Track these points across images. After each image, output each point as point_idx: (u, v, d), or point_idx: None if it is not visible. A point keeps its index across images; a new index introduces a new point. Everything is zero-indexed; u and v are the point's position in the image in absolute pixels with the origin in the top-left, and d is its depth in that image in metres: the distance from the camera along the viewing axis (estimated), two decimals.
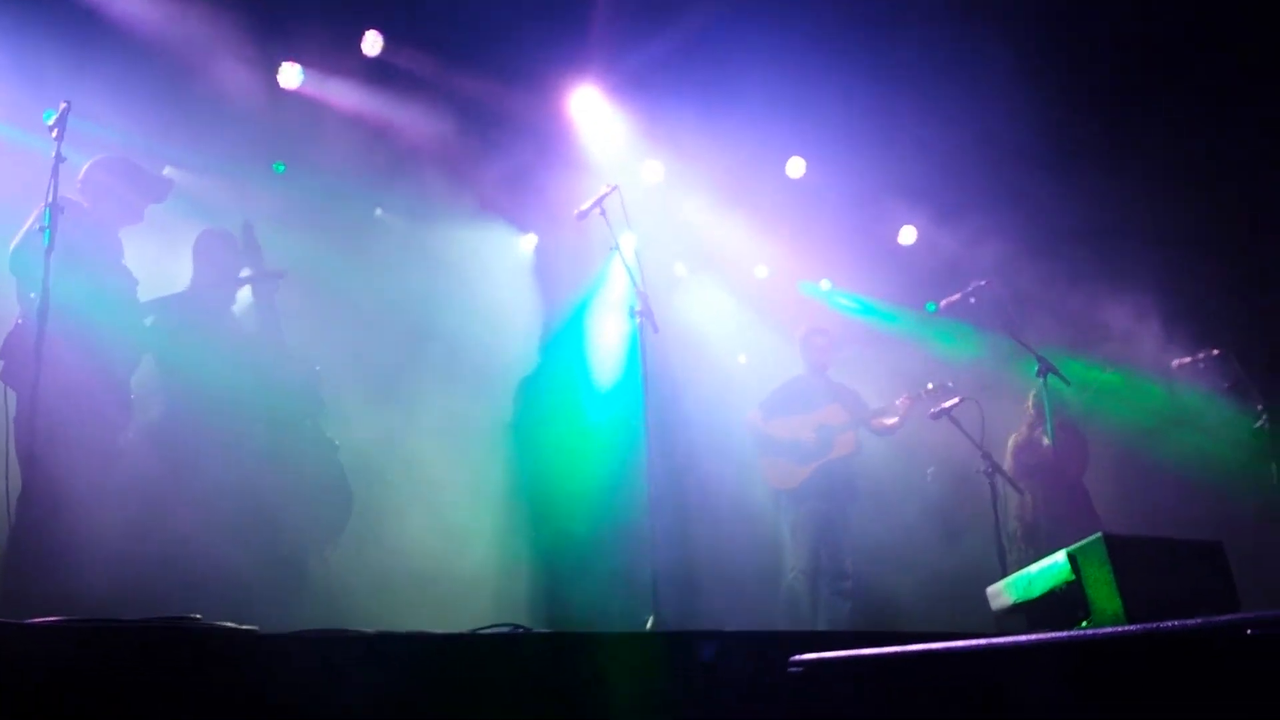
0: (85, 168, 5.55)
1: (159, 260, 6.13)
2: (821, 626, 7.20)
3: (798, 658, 3.06)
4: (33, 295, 4.95)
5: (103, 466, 5.25)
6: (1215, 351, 7.10)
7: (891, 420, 7.72)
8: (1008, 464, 7.80)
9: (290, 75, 7.45)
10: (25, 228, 5.20)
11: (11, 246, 5.23)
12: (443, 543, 6.70)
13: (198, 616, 3.32)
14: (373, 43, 7.55)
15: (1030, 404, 8.15)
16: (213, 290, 6.09)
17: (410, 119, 7.80)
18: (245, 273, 6.20)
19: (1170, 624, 2.61)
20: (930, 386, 7.40)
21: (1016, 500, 7.58)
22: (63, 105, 4.87)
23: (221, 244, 6.19)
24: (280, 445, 6.11)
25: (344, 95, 7.65)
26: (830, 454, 7.59)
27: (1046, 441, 6.76)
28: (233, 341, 6.08)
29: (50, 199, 4.70)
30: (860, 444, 7.71)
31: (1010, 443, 8.16)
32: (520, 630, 3.87)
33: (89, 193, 5.52)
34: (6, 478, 4.93)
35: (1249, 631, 2.42)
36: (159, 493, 5.56)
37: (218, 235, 6.23)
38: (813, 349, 8.00)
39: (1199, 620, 2.58)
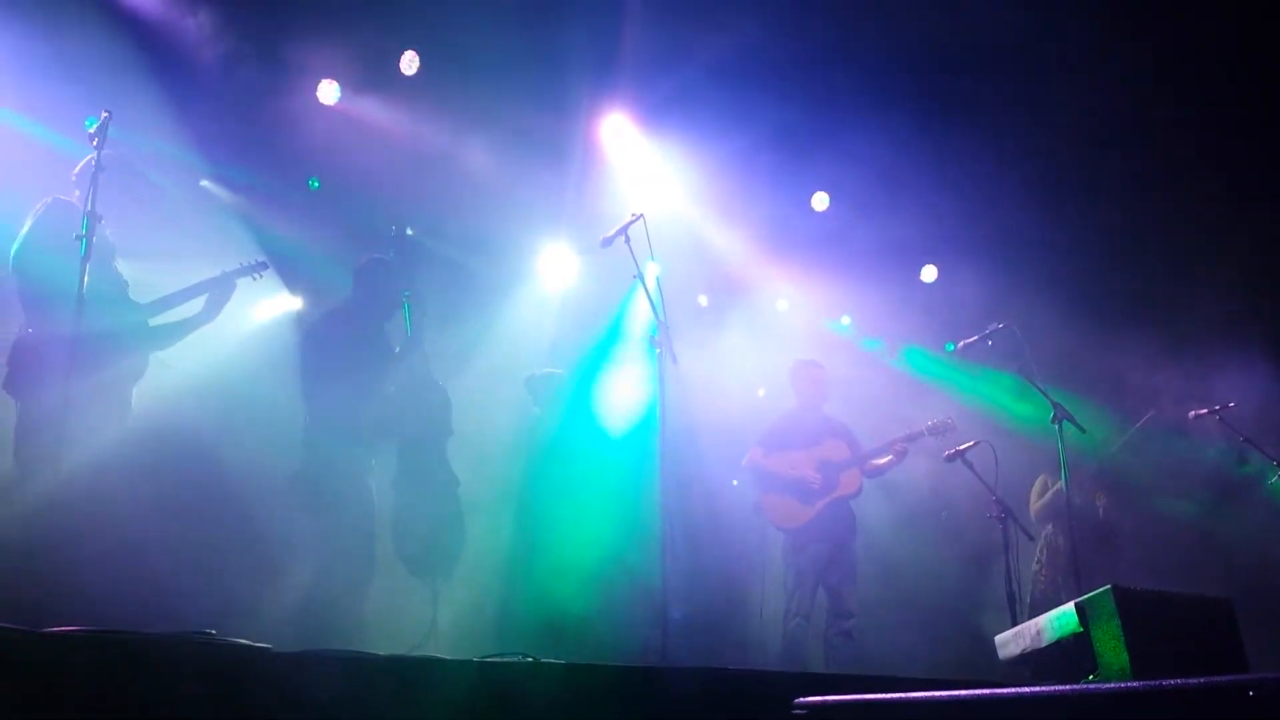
0: (81, 165, 5.32)
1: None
2: (824, 667, 7.01)
3: (802, 700, 3.06)
4: (42, 300, 5.02)
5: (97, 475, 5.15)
6: (1232, 405, 7.06)
7: (884, 460, 7.29)
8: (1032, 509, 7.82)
9: (328, 92, 7.57)
10: (26, 227, 5.19)
11: (14, 247, 5.20)
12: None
13: (212, 632, 3.35)
14: (409, 62, 7.67)
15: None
16: (369, 311, 6.38)
17: (442, 140, 7.89)
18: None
19: (1173, 682, 2.62)
20: (930, 423, 7.14)
21: (1033, 548, 7.55)
22: (104, 114, 4.91)
23: (383, 270, 6.45)
24: (410, 466, 6.40)
25: (379, 114, 7.77)
26: (835, 492, 7.24)
27: (1063, 489, 6.70)
28: (382, 361, 6.34)
29: (88, 208, 4.75)
30: (863, 483, 7.36)
31: (1036, 486, 8.09)
32: (529, 659, 3.89)
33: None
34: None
35: (1250, 693, 2.43)
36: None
37: (380, 262, 6.49)
38: (807, 382, 7.62)
39: (1202, 680, 2.59)
